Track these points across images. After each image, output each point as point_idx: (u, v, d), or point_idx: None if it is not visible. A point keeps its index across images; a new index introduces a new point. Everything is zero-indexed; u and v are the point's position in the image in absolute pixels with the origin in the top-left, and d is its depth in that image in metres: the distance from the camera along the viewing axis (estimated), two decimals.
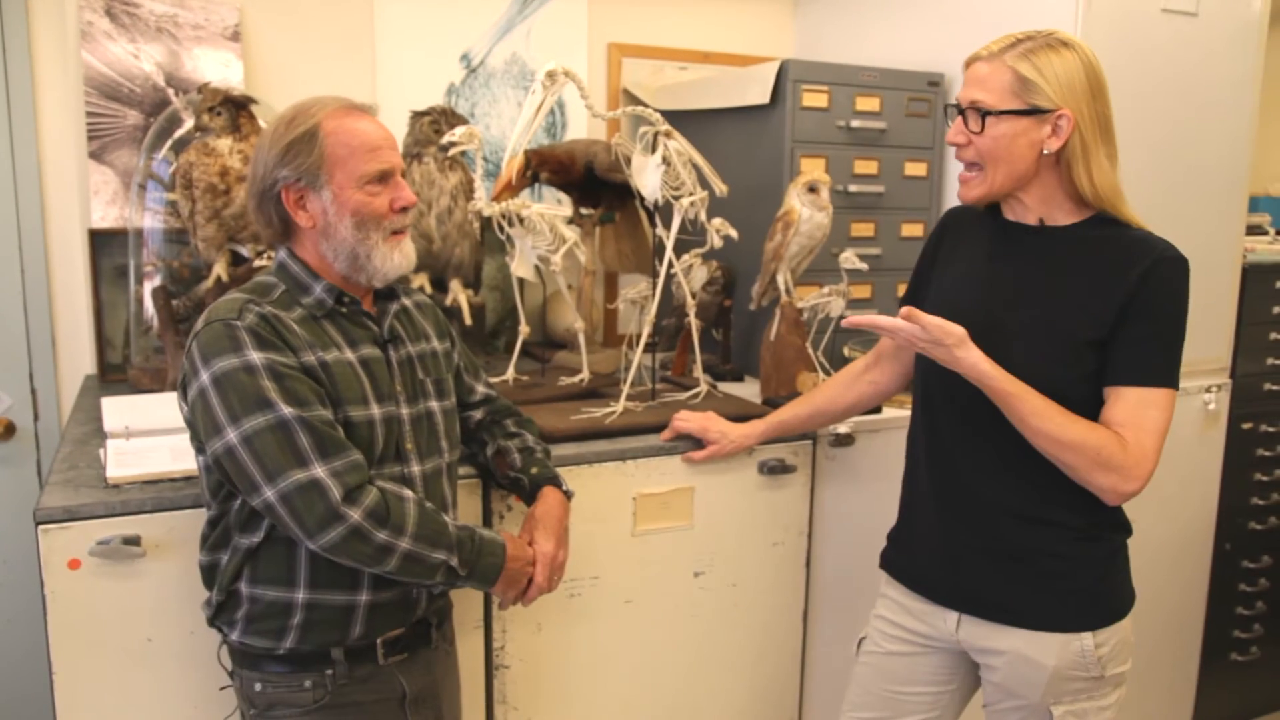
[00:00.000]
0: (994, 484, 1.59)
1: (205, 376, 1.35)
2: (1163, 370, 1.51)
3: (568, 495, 1.70)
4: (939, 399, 1.65)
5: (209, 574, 1.48)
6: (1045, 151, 1.51)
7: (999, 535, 1.60)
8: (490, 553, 1.48)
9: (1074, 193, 1.54)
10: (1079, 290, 1.52)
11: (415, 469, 1.51)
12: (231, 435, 1.33)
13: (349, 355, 1.45)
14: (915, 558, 1.74)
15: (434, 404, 1.57)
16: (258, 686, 1.47)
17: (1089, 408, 1.51)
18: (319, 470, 1.32)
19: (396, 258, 1.48)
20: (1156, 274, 1.49)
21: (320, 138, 1.41)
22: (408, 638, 1.52)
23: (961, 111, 1.55)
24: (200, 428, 1.37)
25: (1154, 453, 1.49)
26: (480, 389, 1.76)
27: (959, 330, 1.48)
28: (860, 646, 1.84)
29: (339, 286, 1.48)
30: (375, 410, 1.45)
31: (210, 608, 1.48)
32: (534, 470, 1.70)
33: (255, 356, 1.34)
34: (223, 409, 1.33)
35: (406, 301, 1.62)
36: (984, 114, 1.51)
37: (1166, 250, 1.51)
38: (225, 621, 1.47)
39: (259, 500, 1.34)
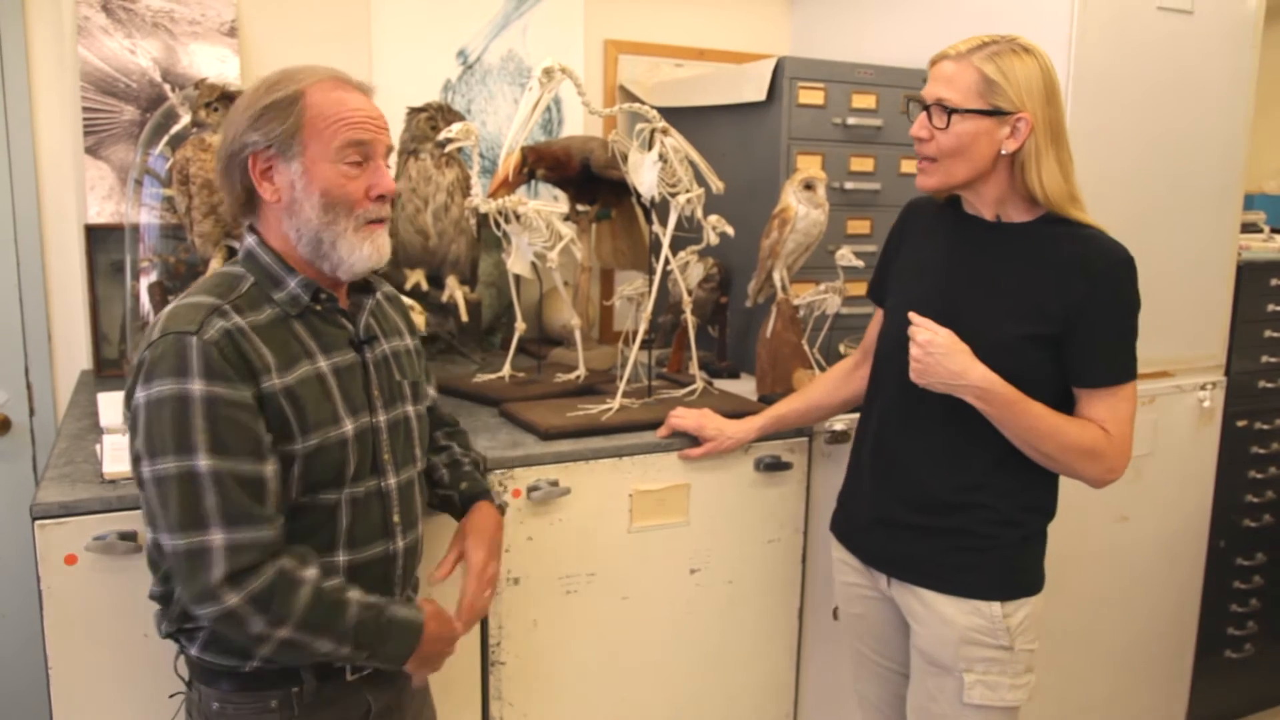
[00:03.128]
0: (931, 469, 1.69)
1: (141, 396, 1.24)
2: (1127, 366, 1.61)
3: (501, 509, 1.65)
4: (890, 385, 1.74)
5: (164, 601, 1.38)
6: (1003, 152, 1.57)
7: (929, 513, 1.69)
8: (398, 638, 1.35)
9: (1027, 193, 1.60)
10: (1030, 287, 1.60)
11: (392, 481, 1.43)
12: (145, 469, 1.23)
13: (321, 364, 1.35)
14: (853, 521, 1.84)
15: (410, 409, 1.49)
16: (215, 705, 1.37)
17: (1032, 396, 1.59)
18: (215, 539, 1.22)
19: (366, 249, 1.36)
20: (1110, 279, 1.57)
21: (301, 105, 1.31)
22: None
23: (926, 108, 1.61)
24: (129, 446, 1.28)
25: (1131, 440, 1.62)
26: (431, 393, 1.67)
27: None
28: (836, 615, 1.95)
29: (315, 280, 1.37)
30: (348, 426, 1.36)
31: (163, 626, 1.38)
32: (463, 485, 1.62)
33: (197, 388, 1.22)
34: (144, 438, 1.23)
35: (379, 294, 1.52)
36: (949, 111, 1.57)
37: (1116, 252, 1.58)
38: (184, 636, 1.37)
39: (165, 544, 1.24)
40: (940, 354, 1.57)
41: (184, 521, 1.22)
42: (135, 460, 1.26)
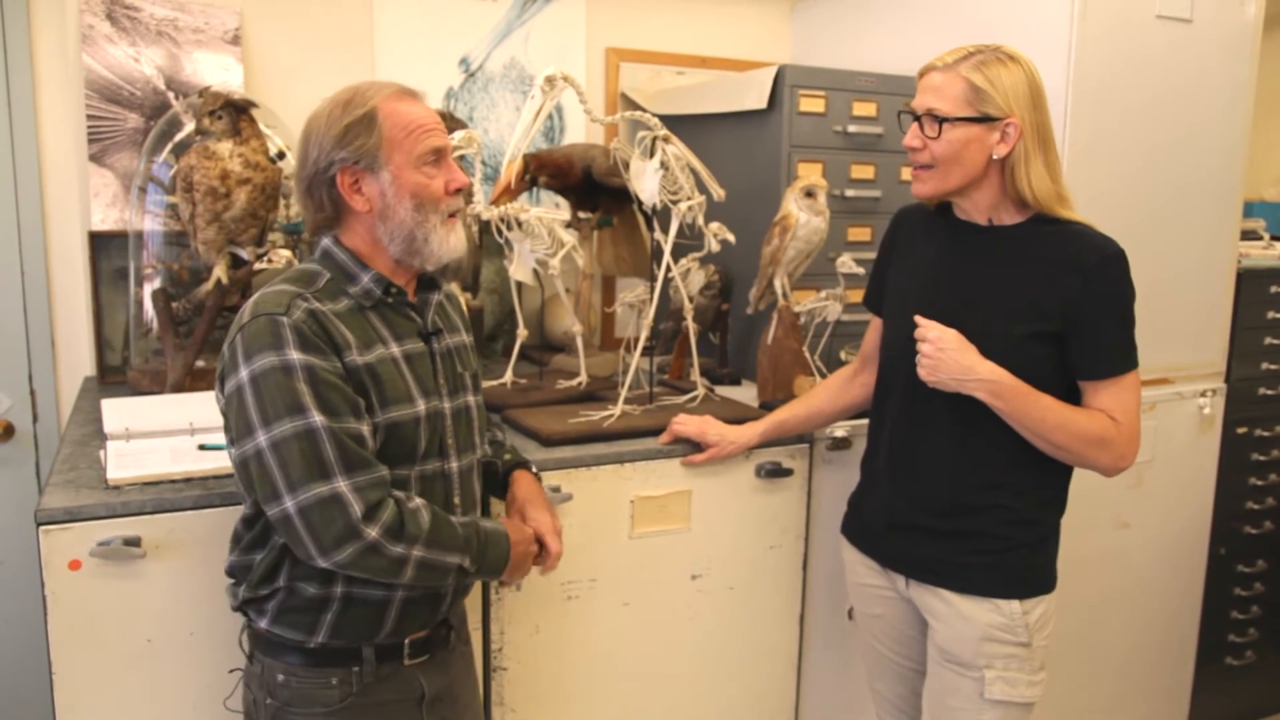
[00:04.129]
0: (947, 473, 1.71)
1: (244, 373, 1.34)
2: (1128, 356, 1.64)
3: (537, 477, 1.73)
4: (898, 391, 1.76)
5: (240, 572, 1.47)
6: (994, 157, 1.62)
7: (947, 516, 1.72)
8: (495, 544, 1.49)
9: (1017, 196, 1.64)
10: (1026, 286, 1.64)
11: (454, 465, 1.52)
12: (262, 438, 1.32)
13: (394, 350, 1.45)
14: (867, 525, 1.87)
15: (470, 398, 1.58)
16: (280, 678, 1.45)
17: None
18: (341, 484, 1.32)
19: (453, 240, 1.48)
20: (1102, 272, 1.61)
21: (379, 121, 1.41)
22: (429, 639, 1.53)
23: (917, 118, 1.65)
24: (233, 425, 1.36)
25: (1138, 428, 1.65)
26: None
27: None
28: (851, 615, 1.98)
29: (386, 276, 1.47)
30: (420, 406, 1.45)
31: (238, 596, 1.47)
32: (506, 457, 1.73)
33: (295, 357, 1.33)
34: (256, 410, 1.32)
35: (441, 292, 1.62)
36: (940, 120, 1.62)
37: (1106, 246, 1.62)
38: (254, 609, 1.46)
39: (276, 510, 1.32)
40: (951, 350, 1.61)
41: (309, 475, 1.31)
42: (246, 434, 1.33)
